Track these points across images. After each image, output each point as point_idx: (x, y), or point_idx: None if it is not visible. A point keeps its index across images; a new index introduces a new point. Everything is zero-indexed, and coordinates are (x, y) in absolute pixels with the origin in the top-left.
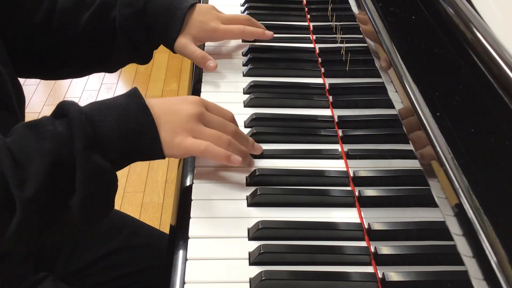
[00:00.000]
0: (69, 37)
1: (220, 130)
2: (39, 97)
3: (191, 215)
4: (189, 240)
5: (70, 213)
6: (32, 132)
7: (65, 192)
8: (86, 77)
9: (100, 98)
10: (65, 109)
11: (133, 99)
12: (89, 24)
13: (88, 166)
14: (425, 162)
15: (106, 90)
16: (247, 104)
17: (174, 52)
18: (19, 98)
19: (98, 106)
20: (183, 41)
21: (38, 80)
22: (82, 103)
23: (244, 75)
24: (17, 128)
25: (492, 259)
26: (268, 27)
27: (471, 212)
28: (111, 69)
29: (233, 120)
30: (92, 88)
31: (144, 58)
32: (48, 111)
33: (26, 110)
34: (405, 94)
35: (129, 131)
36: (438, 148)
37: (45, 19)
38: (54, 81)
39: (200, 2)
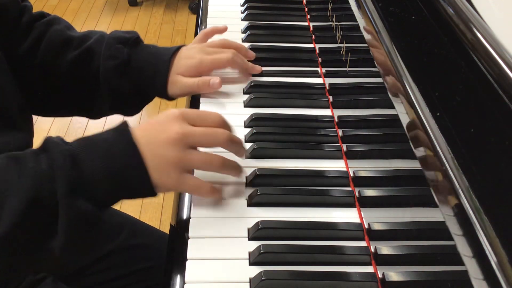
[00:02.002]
0: (52, 74)
1: (210, 143)
2: None
3: (191, 215)
4: (189, 240)
5: (51, 253)
6: (15, 166)
7: (45, 232)
8: None
9: None
10: (49, 148)
11: (121, 135)
12: (72, 67)
13: (71, 211)
14: (425, 162)
15: None
16: (247, 104)
17: (170, 98)
18: (25, 115)
19: (84, 144)
20: (175, 79)
21: None
22: None
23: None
24: (0, 158)
25: (492, 259)
26: (268, 27)
27: (471, 212)
28: (93, 116)
29: (222, 123)
30: None
31: (130, 110)
32: None
33: None
34: (405, 94)
35: (115, 170)
36: (438, 148)
37: (30, 50)
38: None
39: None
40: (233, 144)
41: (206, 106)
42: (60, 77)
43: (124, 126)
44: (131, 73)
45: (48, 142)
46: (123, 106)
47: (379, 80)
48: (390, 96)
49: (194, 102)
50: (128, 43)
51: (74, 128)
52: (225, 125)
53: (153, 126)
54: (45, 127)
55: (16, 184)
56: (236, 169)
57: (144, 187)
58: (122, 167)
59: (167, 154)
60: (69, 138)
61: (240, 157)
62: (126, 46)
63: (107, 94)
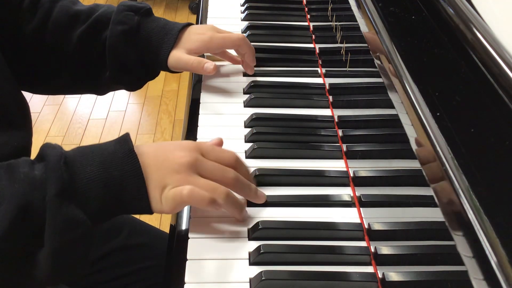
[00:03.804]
0: (60, 51)
1: (217, 178)
2: (39, 96)
3: (191, 215)
4: (189, 240)
5: (37, 267)
6: (6, 173)
7: (32, 242)
8: None
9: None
10: (44, 152)
11: (121, 145)
12: (81, 41)
13: (59, 215)
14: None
15: None
16: (247, 104)
17: (170, 71)
18: (24, 113)
19: (82, 151)
20: (177, 54)
21: None
22: (81, 103)
23: (244, 75)
24: None
25: (492, 259)
26: (268, 27)
27: (471, 212)
28: (98, 90)
29: (235, 163)
30: None
31: (133, 83)
32: (48, 111)
33: None
34: (405, 94)
35: (111, 179)
36: (438, 148)
37: (37, 30)
38: None
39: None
40: (240, 185)
41: (206, 106)
42: (70, 52)
43: (125, 136)
44: (138, 42)
45: (45, 147)
46: (127, 77)
47: (379, 80)
48: (390, 96)
49: (194, 102)
50: (140, 12)
51: (74, 128)
52: (239, 164)
53: (164, 146)
54: (45, 127)
55: (7, 190)
56: (240, 207)
57: (141, 200)
58: (118, 174)
59: (171, 172)
60: (69, 138)
61: (241, 211)
62: (137, 14)
63: (112, 63)
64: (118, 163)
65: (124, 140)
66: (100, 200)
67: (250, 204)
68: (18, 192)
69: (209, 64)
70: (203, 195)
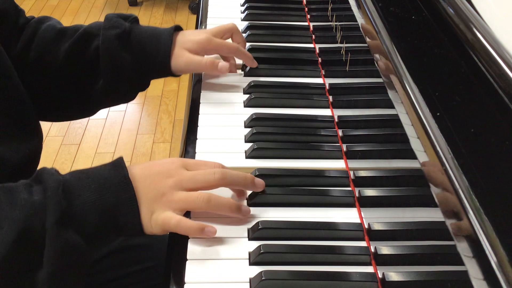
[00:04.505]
0: (47, 68)
1: (202, 185)
2: None
3: (191, 215)
4: (189, 240)
5: (34, 286)
6: (6, 197)
7: (32, 264)
8: None
9: None
10: (43, 178)
11: (116, 170)
12: (69, 55)
13: (59, 241)
14: (425, 162)
15: None
16: (247, 104)
17: (173, 75)
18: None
19: (78, 176)
20: (181, 53)
21: None
22: None
23: (244, 75)
24: None
25: (492, 259)
26: (268, 27)
27: (471, 212)
28: (90, 109)
29: (220, 165)
30: None
31: (126, 93)
32: None
33: None
34: (405, 94)
35: (107, 205)
36: (438, 148)
37: (23, 48)
38: None
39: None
40: (230, 179)
41: (206, 106)
42: (57, 68)
43: (119, 161)
44: (132, 44)
45: (43, 172)
46: (121, 85)
47: (379, 80)
48: (390, 96)
49: (194, 102)
50: (129, 19)
51: (74, 128)
52: (223, 167)
53: (150, 168)
54: (45, 127)
55: (8, 215)
56: (228, 206)
57: (134, 225)
58: (114, 201)
59: (158, 195)
60: (69, 138)
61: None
62: (126, 21)
63: (106, 69)
64: (113, 190)
65: (119, 166)
66: (96, 225)
67: (250, 204)
68: (19, 217)
69: (224, 64)
70: (190, 226)
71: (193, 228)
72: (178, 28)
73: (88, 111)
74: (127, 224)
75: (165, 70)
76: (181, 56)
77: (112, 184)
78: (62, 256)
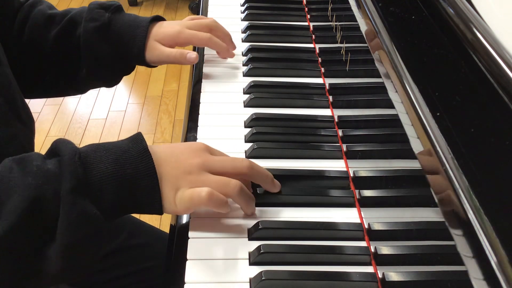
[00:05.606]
0: (38, 53)
1: (229, 171)
2: None
3: (191, 215)
4: (189, 240)
5: (47, 263)
6: (19, 165)
7: (43, 237)
8: None
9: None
10: (58, 148)
11: (135, 143)
12: (57, 41)
13: (75, 210)
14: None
15: (105, 90)
16: (247, 104)
17: (148, 65)
18: (27, 112)
19: (95, 148)
20: (153, 45)
21: None
22: (81, 103)
23: (244, 75)
24: (4, 161)
25: (492, 259)
26: (268, 27)
27: (471, 212)
28: (78, 89)
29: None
30: None
31: (109, 78)
32: (48, 111)
33: None
34: (405, 94)
35: (125, 177)
36: (438, 148)
37: (16, 32)
38: None
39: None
40: (256, 173)
41: (206, 106)
42: (48, 52)
43: (138, 135)
44: (111, 36)
45: (58, 143)
46: (103, 73)
47: (379, 80)
48: (390, 96)
49: (194, 102)
50: (110, 9)
51: (74, 128)
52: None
53: (174, 147)
54: (45, 127)
55: (19, 182)
56: (252, 200)
57: (153, 199)
58: (132, 173)
59: (184, 173)
60: (69, 138)
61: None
62: (107, 11)
63: (88, 59)
64: (132, 161)
65: (138, 139)
66: (113, 197)
67: None
68: (31, 184)
69: (192, 54)
70: (222, 198)
71: (224, 201)
72: (157, 19)
73: (75, 90)
74: (145, 198)
75: (141, 61)
76: (154, 48)
77: (130, 155)
78: (78, 227)
